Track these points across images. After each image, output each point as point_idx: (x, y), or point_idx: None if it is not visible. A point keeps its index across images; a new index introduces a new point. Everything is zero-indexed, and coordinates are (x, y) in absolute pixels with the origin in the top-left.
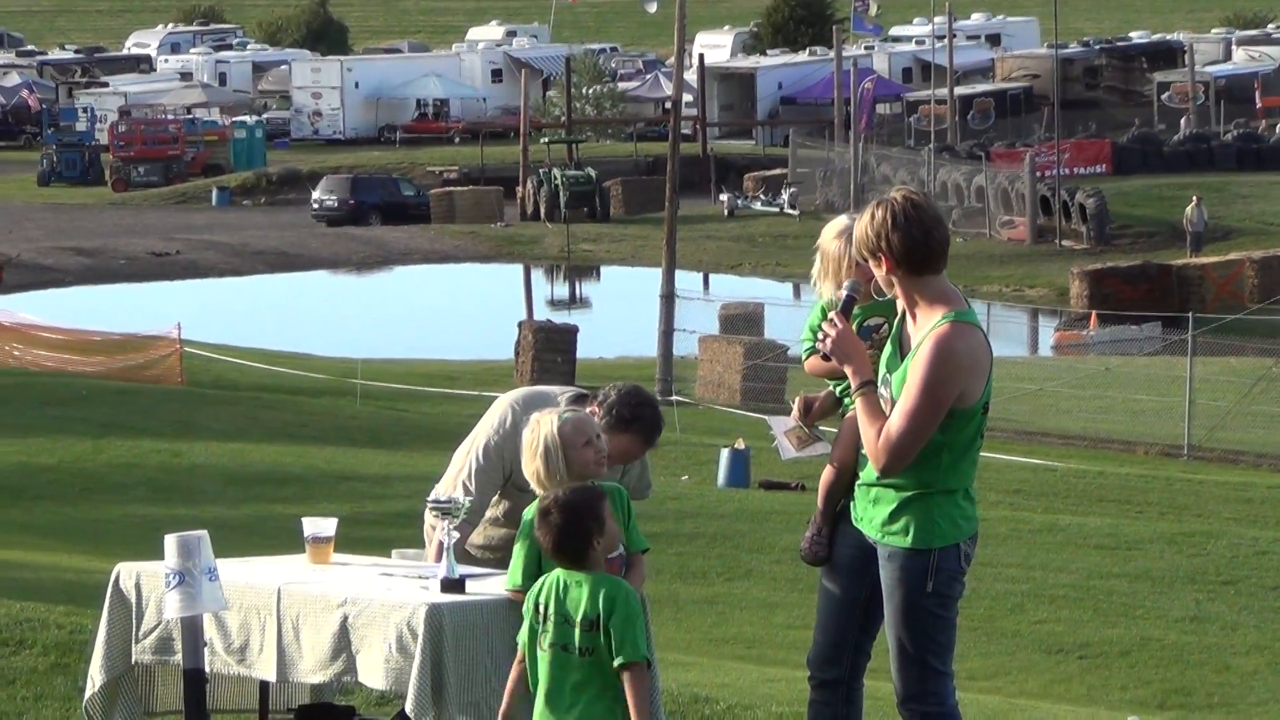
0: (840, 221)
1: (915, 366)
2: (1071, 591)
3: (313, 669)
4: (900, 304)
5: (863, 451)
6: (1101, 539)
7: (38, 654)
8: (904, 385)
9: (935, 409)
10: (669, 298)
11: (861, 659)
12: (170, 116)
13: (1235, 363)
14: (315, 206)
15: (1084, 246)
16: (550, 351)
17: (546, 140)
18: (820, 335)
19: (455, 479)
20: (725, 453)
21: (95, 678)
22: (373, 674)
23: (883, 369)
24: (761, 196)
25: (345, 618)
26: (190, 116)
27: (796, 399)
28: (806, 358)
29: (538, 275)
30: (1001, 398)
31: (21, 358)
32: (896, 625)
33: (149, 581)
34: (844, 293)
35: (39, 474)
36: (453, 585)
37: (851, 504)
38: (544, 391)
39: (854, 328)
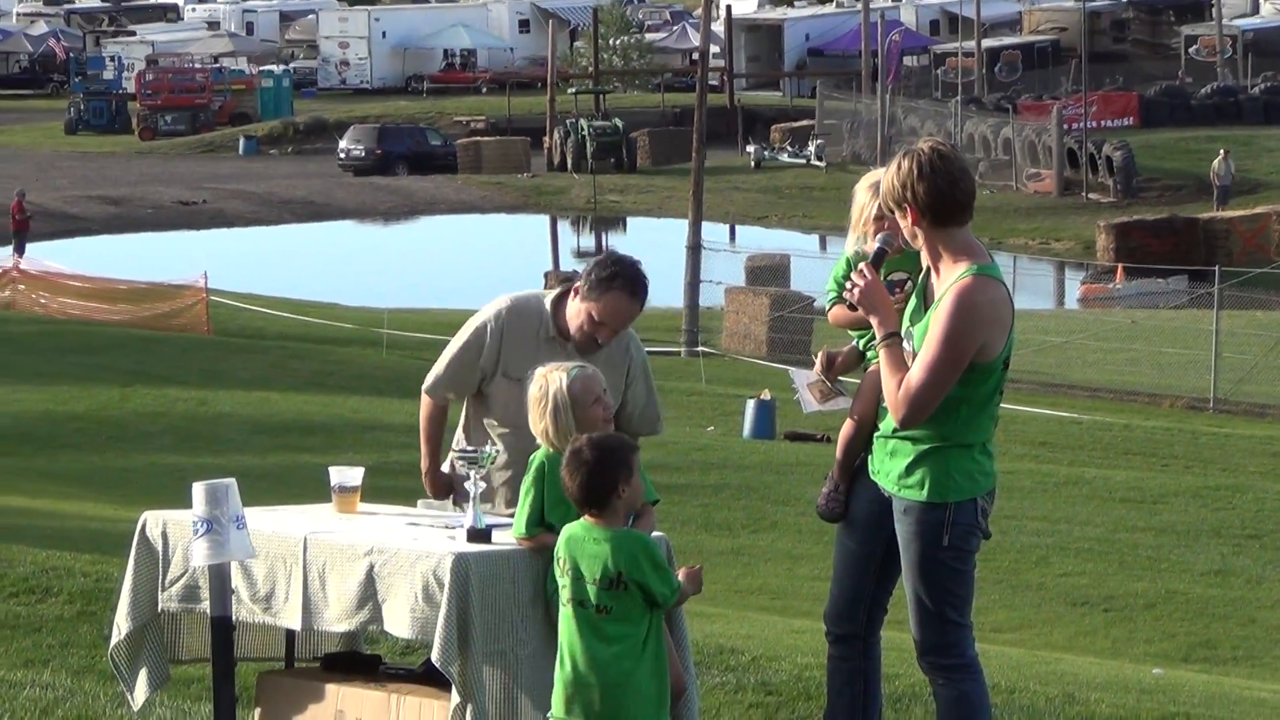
0: (874, 174)
1: (937, 319)
2: (1096, 545)
3: (338, 618)
4: (924, 258)
5: (882, 404)
6: (1127, 492)
7: (64, 602)
8: (925, 337)
9: (956, 361)
10: (695, 249)
11: (879, 614)
12: (197, 65)
13: (1261, 316)
14: (342, 156)
15: (1110, 199)
16: None
17: (574, 91)
18: (849, 285)
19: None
20: (751, 404)
21: (121, 625)
22: (399, 623)
23: (906, 323)
24: (788, 148)
25: (371, 567)
26: (217, 65)
27: (820, 352)
28: (830, 308)
29: (564, 226)
30: (1027, 350)
31: (48, 306)
32: (913, 579)
33: (176, 529)
34: (876, 245)
35: (65, 422)
36: (479, 535)
37: (869, 457)
38: (532, 293)
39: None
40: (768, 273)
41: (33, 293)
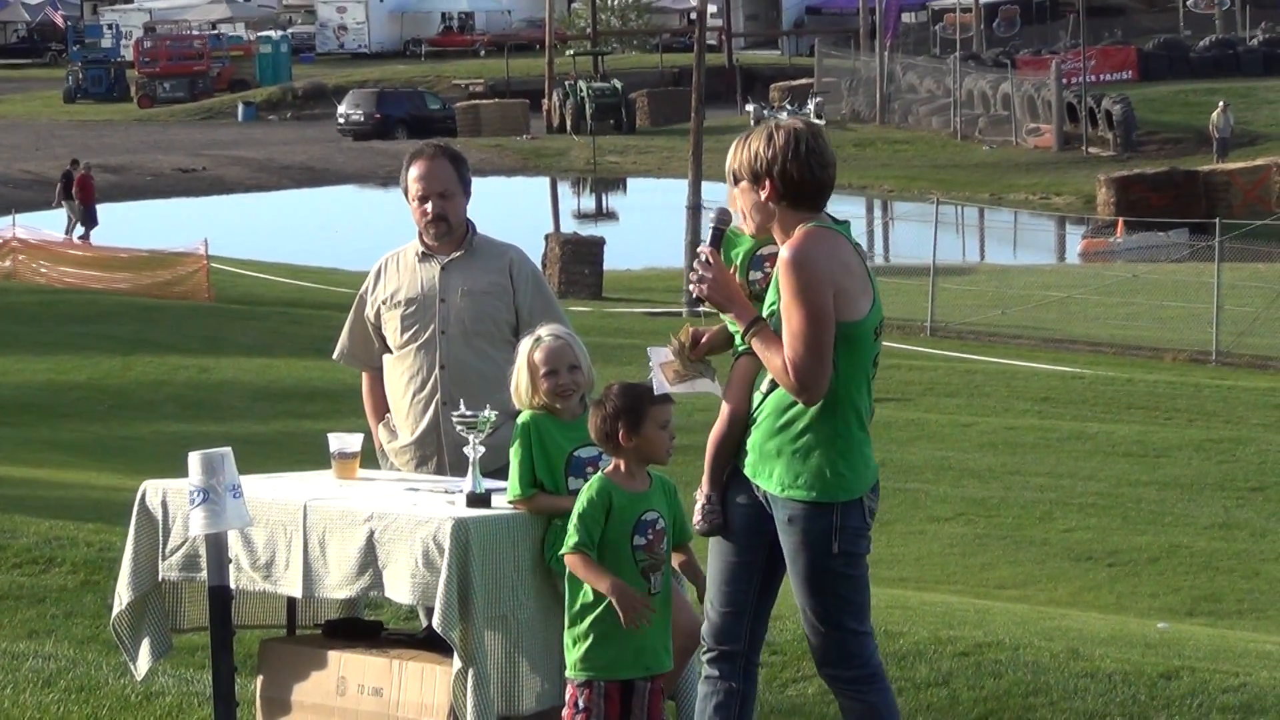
0: None
1: (782, 284)
2: (1100, 499)
3: (339, 584)
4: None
5: (759, 397)
6: (1130, 446)
7: (67, 572)
8: (780, 309)
9: (819, 316)
10: (695, 209)
11: (760, 630)
12: (195, 32)
13: (1262, 268)
14: (341, 121)
15: (1110, 153)
16: (577, 264)
17: (572, 52)
18: (694, 276)
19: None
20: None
21: (122, 595)
22: (399, 589)
23: (766, 311)
24: (787, 106)
25: (371, 533)
26: (215, 32)
27: (683, 329)
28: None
29: (564, 188)
30: (1029, 305)
31: (48, 275)
32: (805, 592)
33: (175, 499)
34: (711, 224)
35: (67, 392)
36: (478, 500)
37: (744, 459)
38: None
39: (745, 257)
40: None
41: (33, 262)
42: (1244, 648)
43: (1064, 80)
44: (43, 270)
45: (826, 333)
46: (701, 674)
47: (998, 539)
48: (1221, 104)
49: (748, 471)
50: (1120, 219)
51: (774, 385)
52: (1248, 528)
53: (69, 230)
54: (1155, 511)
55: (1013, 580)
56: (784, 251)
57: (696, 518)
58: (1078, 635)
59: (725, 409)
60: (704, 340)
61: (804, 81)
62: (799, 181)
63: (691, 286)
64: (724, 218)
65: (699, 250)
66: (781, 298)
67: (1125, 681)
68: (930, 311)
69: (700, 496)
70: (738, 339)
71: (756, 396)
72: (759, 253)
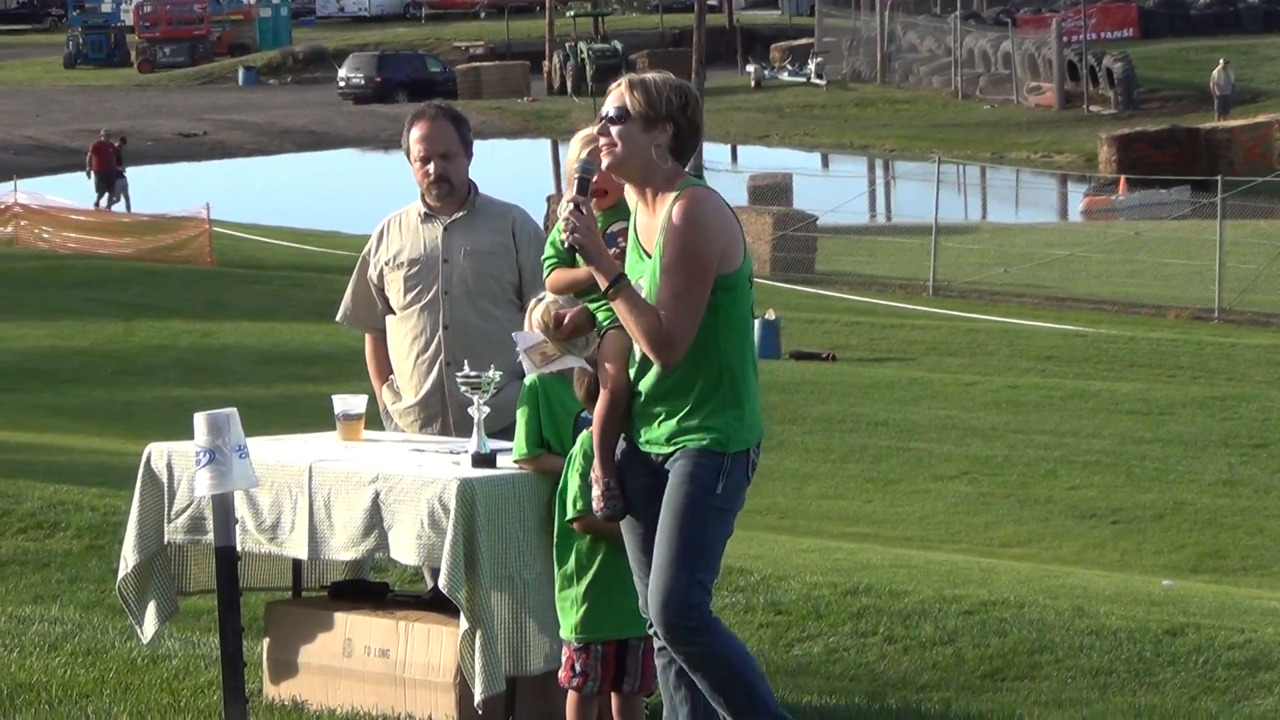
0: (591, 130)
1: (667, 241)
2: (1104, 457)
3: (344, 546)
4: (634, 194)
5: (636, 367)
6: (1133, 404)
7: (72, 536)
8: (661, 267)
9: (701, 276)
10: (697, 169)
11: None
12: None
13: (1265, 225)
14: (342, 84)
15: (1112, 111)
16: None
17: (573, 14)
18: (565, 225)
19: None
20: (755, 324)
21: (128, 558)
22: (405, 550)
23: (630, 273)
24: (788, 67)
25: (377, 494)
26: None
27: (541, 310)
28: (548, 275)
29: (565, 150)
30: (1031, 264)
31: (51, 241)
32: (674, 526)
33: (180, 461)
34: (576, 174)
35: (70, 357)
36: (483, 460)
37: (634, 431)
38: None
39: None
40: (770, 192)
41: (35, 228)
42: (1249, 604)
43: (1065, 38)
44: (45, 236)
45: (703, 298)
46: (655, 647)
47: (1002, 497)
48: (1222, 61)
49: (639, 442)
50: (1122, 177)
51: None
52: (1252, 484)
53: (111, 201)
54: (1159, 469)
55: (1017, 538)
56: (677, 215)
57: (597, 505)
58: (1083, 593)
59: (606, 385)
60: (566, 321)
61: (804, 41)
62: (695, 128)
63: (564, 236)
64: (589, 167)
65: (571, 199)
66: (666, 257)
67: (1130, 639)
68: (932, 271)
69: (598, 485)
70: (600, 315)
71: (634, 365)
72: (610, 230)
